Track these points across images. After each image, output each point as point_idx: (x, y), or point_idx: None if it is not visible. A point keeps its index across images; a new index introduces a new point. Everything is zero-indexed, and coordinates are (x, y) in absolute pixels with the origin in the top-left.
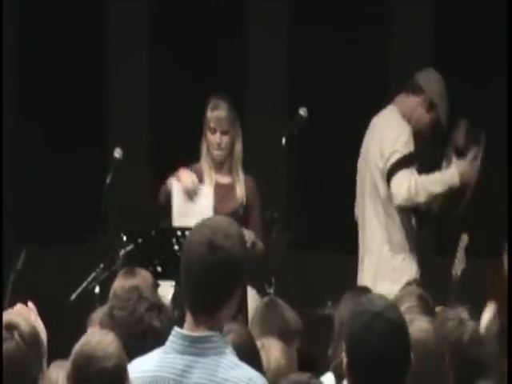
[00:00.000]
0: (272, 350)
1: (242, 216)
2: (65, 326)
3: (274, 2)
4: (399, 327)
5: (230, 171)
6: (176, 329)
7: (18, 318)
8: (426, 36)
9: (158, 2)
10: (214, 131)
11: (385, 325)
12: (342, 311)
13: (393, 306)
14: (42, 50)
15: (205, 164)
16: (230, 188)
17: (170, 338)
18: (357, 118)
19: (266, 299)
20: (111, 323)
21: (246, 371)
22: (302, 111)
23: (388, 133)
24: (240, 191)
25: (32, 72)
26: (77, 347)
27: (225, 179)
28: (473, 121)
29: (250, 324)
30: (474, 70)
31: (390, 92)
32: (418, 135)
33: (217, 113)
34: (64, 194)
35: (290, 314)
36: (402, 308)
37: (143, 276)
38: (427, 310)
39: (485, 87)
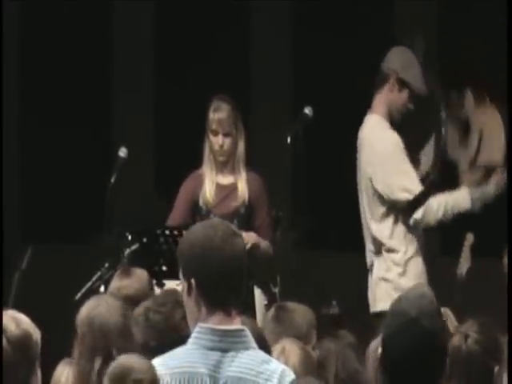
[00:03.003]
0: (291, 356)
1: (243, 215)
2: (69, 326)
3: (279, 1)
4: (433, 334)
5: (233, 171)
6: (202, 325)
7: (7, 321)
8: (430, 37)
9: (164, 3)
10: (215, 133)
11: (418, 331)
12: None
13: (431, 310)
14: (47, 49)
15: (207, 166)
16: (233, 188)
17: (195, 334)
18: (362, 117)
19: (272, 309)
20: (146, 324)
21: (278, 365)
22: (307, 110)
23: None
24: (242, 190)
25: (36, 71)
26: (113, 364)
27: (227, 180)
28: None
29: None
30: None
31: None
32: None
33: (218, 115)
34: (69, 194)
35: (300, 317)
36: None
37: (138, 276)
38: None
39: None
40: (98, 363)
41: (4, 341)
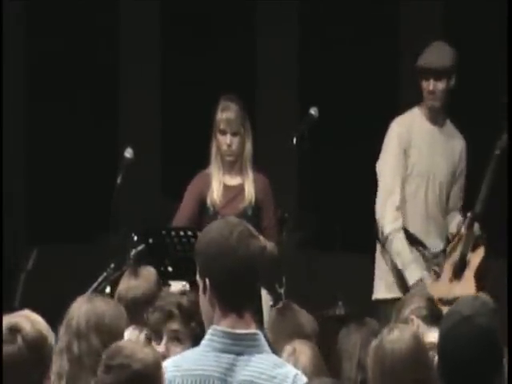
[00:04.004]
0: (301, 357)
1: (251, 217)
2: None
3: (285, 2)
4: (487, 333)
5: (240, 172)
6: (215, 327)
7: (23, 322)
8: (436, 37)
9: (170, 3)
10: (223, 133)
11: (471, 329)
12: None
13: (485, 310)
14: (53, 49)
15: (214, 167)
16: (240, 189)
17: (208, 336)
18: (367, 118)
19: (280, 304)
20: None
21: (291, 369)
22: (313, 111)
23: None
24: (249, 191)
25: (42, 72)
26: (112, 354)
27: (234, 180)
28: (471, 121)
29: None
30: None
31: (401, 92)
32: (436, 111)
33: (226, 114)
34: (75, 194)
35: (305, 318)
36: (411, 307)
37: (145, 277)
38: (435, 312)
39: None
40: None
41: (19, 339)
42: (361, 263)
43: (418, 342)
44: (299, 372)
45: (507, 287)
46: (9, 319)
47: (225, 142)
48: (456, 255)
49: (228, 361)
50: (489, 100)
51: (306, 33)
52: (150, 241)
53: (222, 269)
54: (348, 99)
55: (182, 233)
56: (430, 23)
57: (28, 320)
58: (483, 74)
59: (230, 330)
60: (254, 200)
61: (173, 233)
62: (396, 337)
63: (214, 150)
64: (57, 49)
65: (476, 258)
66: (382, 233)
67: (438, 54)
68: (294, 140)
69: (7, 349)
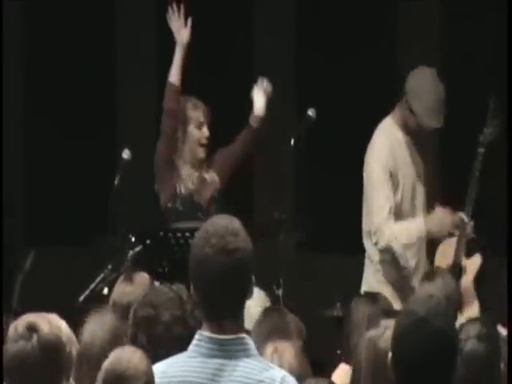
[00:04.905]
0: (285, 354)
1: (219, 201)
2: (73, 328)
3: (282, 2)
4: (442, 334)
5: (201, 166)
6: (201, 332)
7: (43, 323)
8: (434, 40)
9: (165, 6)
10: (201, 125)
11: (426, 330)
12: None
13: (439, 310)
14: (50, 49)
15: (185, 166)
16: (202, 179)
17: (195, 342)
18: (365, 119)
19: (263, 309)
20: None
21: (279, 371)
22: (311, 112)
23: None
24: (210, 178)
25: (40, 73)
26: (107, 365)
27: (200, 173)
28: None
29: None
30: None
31: (398, 93)
32: (419, 138)
33: (201, 108)
34: (72, 196)
35: (291, 319)
36: None
37: (139, 282)
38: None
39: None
40: None
41: (34, 338)
42: (359, 264)
43: None
44: (286, 373)
45: (507, 287)
46: (30, 317)
47: (204, 133)
48: (449, 258)
49: (215, 366)
50: (487, 101)
51: (303, 34)
52: (148, 242)
53: (199, 276)
54: (346, 101)
55: (179, 234)
56: (429, 24)
57: (48, 323)
58: (482, 74)
59: (215, 335)
60: (218, 183)
61: (170, 234)
62: (388, 336)
63: (183, 154)
64: (54, 49)
65: (473, 264)
66: (385, 248)
67: (439, 112)
68: (292, 141)
69: (20, 344)
